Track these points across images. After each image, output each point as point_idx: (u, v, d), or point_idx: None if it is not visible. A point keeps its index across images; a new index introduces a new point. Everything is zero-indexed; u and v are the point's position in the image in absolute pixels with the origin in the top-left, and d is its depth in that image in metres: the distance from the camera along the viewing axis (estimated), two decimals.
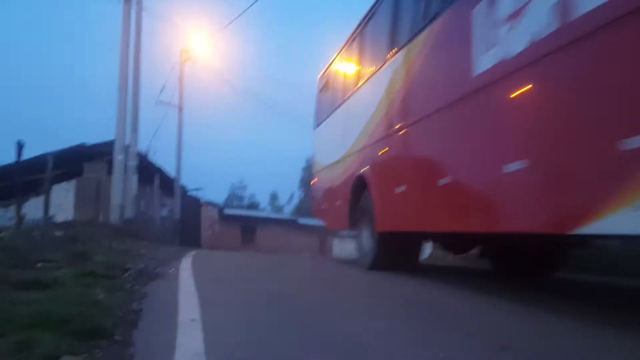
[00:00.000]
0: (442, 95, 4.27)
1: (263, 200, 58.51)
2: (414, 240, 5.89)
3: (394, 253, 5.86)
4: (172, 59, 21.74)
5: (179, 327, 2.50)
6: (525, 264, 5.55)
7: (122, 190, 12.38)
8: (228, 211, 32.94)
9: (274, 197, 60.23)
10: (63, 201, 14.78)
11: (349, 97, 7.25)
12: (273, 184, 78.10)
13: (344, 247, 34.51)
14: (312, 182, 9.75)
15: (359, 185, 6.42)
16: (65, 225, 11.15)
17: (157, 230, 17.69)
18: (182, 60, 20.95)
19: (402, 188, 5.10)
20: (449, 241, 6.22)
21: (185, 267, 5.62)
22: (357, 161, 6.58)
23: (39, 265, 4.42)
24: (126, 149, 12.59)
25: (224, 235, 28.21)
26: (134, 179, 12.96)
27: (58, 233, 8.32)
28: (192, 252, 8.63)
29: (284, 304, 3.41)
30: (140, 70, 13.21)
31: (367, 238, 6.24)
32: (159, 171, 18.60)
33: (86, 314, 2.40)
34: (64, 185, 15.00)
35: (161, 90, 20.46)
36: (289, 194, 59.81)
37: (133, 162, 12.85)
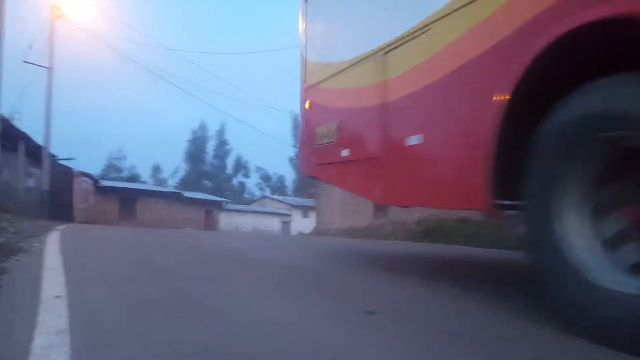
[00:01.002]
0: None
1: (144, 173, 56.05)
2: None
3: None
4: (43, 14, 19.60)
5: (41, 304, 2.35)
6: None
7: None
8: (105, 183, 30.98)
9: (156, 169, 57.97)
10: None
11: None
12: (156, 156, 74.67)
13: (231, 221, 34.34)
14: (306, 107, 5.11)
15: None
16: None
17: (22, 202, 16.16)
18: (53, 16, 19.13)
19: None
20: None
21: (53, 242, 5.25)
22: None
23: None
24: None
25: (100, 208, 26.54)
26: None
27: None
28: (62, 226, 8.06)
29: (160, 281, 3.35)
30: (3, 24, 11.77)
31: None
32: (25, 138, 16.89)
33: None
34: None
35: (28, 49, 18.54)
36: (173, 166, 57.93)
37: None
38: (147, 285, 3.10)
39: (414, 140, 3.29)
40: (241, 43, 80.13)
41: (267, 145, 59.77)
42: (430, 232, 9.35)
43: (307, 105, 5.08)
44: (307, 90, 5.09)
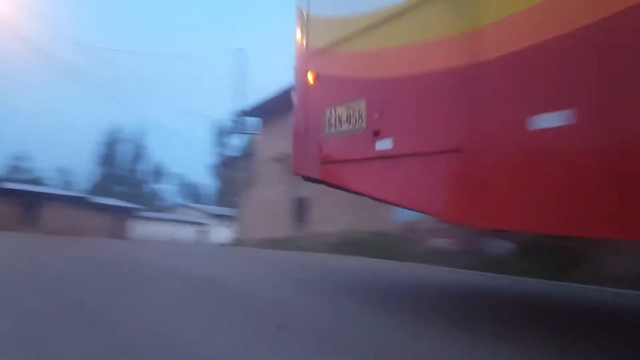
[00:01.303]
0: None
1: (53, 175, 52.57)
2: None
3: None
4: None
5: None
6: None
7: None
8: (5, 185, 28.69)
9: (64, 171, 54.55)
10: None
11: None
12: (66, 158, 70.42)
13: (145, 229, 32.94)
14: (308, 82, 3.69)
15: None
16: None
17: None
18: None
19: None
20: None
21: None
22: None
23: None
24: None
25: None
26: None
27: None
28: None
29: (58, 294, 3.13)
30: None
31: None
32: None
33: None
34: None
35: None
36: (84, 170, 54.86)
37: None
38: (44, 297, 2.90)
39: (549, 121, 1.94)
40: (166, 46, 77.90)
41: (186, 152, 58.29)
42: (348, 244, 9.53)
43: (310, 78, 3.64)
44: (311, 57, 3.69)
